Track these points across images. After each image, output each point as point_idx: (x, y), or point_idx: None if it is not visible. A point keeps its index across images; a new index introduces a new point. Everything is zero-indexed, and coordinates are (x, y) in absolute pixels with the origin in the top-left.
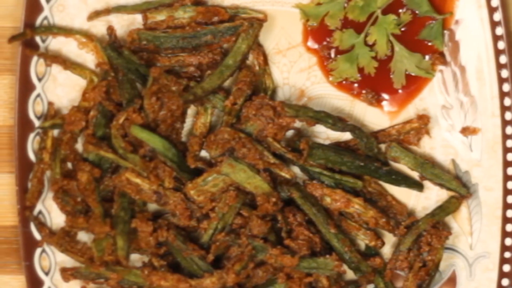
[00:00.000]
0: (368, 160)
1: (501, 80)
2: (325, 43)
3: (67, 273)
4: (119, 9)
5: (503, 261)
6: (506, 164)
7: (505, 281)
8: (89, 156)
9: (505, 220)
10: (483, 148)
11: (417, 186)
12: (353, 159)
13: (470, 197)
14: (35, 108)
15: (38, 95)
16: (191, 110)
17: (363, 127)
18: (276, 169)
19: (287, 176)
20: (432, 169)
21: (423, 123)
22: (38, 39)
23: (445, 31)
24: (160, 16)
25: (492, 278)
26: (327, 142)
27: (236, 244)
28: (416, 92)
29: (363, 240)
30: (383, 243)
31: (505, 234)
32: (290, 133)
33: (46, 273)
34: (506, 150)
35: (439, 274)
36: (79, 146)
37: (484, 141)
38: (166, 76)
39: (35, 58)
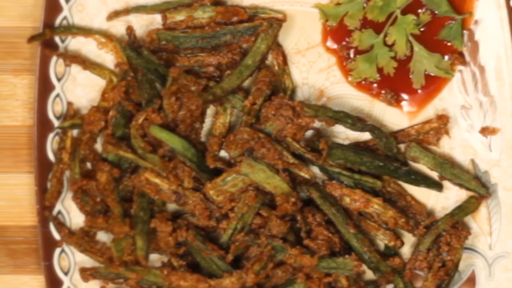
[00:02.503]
0: (387, 160)
1: None
2: (344, 43)
3: (87, 273)
4: (139, 9)
5: None
6: None
7: None
8: (109, 156)
9: None
10: (502, 148)
11: (437, 186)
12: (373, 159)
13: (489, 197)
14: (54, 108)
15: (58, 95)
16: (210, 110)
17: (382, 127)
18: (295, 169)
19: (307, 176)
20: (451, 169)
21: (442, 123)
22: (57, 39)
23: (464, 31)
24: (180, 16)
25: (511, 278)
26: (346, 142)
27: (256, 244)
28: (435, 92)
29: (382, 240)
30: (402, 243)
31: None
32: (309, 133)
33: (66, 273)
34: None
35: (458, 274)
36: (98, 146)
37: (504, 141)
38: (185, 76)
39: (54, 58)
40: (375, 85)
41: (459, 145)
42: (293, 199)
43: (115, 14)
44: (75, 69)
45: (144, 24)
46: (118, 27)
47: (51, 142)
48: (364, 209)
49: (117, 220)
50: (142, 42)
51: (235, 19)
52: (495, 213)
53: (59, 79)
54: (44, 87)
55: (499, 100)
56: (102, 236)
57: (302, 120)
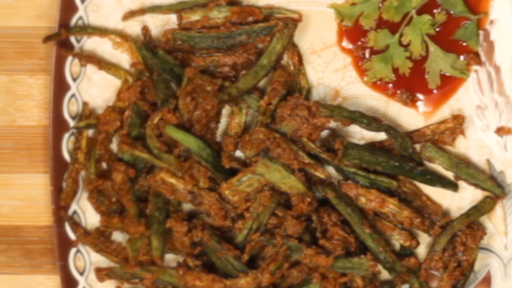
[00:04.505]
0: (403, 160)
1: None
2: (359, 43)
3: (102, 273)
4: (154, 9)
5: None
6: None
7: None
8: (124, 156)
9: None
10: None
11: (452, 186)
12: (388, 159)
13: (504, 197)
14: (70, 108)
15: (73, 95)
16: (225, 110)
17: (398, 127)
18: (311, 169)
19: (322, 176)
20: (467, 169)
21: (458, 123)
22: (72, 39)
23: (480, 31)
24: (195, 16)
25: None
26: (361, 142)
27: (271, 244)
28: (451, 92)
29: (397, 240)
30: (418, 243)
31: None
32: (325, 133)
33: (81, 273)
34: None
35: (474, 274)
36: (113, 146)
37: None
38: (201, 76)
39: (69, 58)
40: (390, 85)
41: (474, 145)
42: (308, 199)
43: (130, 14)
44: (91, 69)
45: (159, 24)
46: (133, 27)
47: (67, 142)
48: (380, 209)
49: (132, 220)
50: (157, 42)
51: (250, 19)
52: (510, 213)
53: (74, 79)
54: (60, 87)
55: None
56: (118, 236)
57: (318, 120)
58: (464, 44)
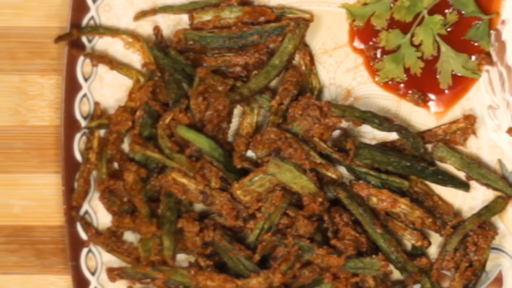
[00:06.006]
0: (414, 160)
1: None
2: (371, 43)
3: (114, 273)
4: (166, 9)
5: None
6: None
7: None
8: (136, 156)
9: None
10: None
11: (464, 186)
12: (400, 159)
13: None
14: (81, 108)
15: (85, 95)
16: (237, 110)
17: (410, 127)
18: (322, 169)
19: (334, 176)
20: (478, 169)
21: (469, 123)
22: (84, 39)
23: (491, 31)
24: (207, 16)
25: None
26: (373, 142)
27: (283, 244)
28: (462, 92)
29: (409, 240)
30: (429, 243)
31: None
32: (336, 133)
33: (93, 273)
34: None
35: (485, 274)
36: (125, 146)
37: None
38: (212, 76)
39: (81, 58)
40: (402, 85)
41: (486, 145)
42: (320, 199)
43: (142, 14)
44: (102, 69)
45: (171, 24)
46: (145, 27)
47: (78, 142)
48: (391, 209)
49: (144, 220)
50: (169, 42)
51: (262, 19)
52: None
53: (86, 79)
54: (71, 87)
55: None
56: (129, 236)
57: (329, 120)
58: (476, 44)
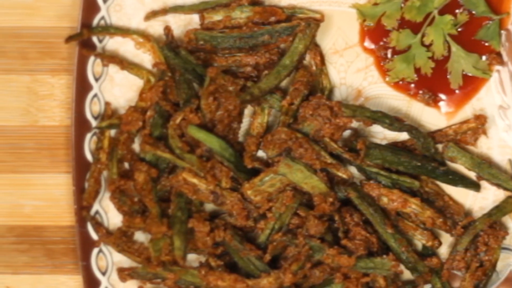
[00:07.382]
0: (425, 160)
1: None
2: (381, 43)
3: (124, 273)
4: (176, 9)
5: None
6: None
7: None
8: (146, 156)
9: None
10: None
11: (474, 186)
12: (410, 159)
13: None
14: (92, 108)
15: (95, 95)
16: (248, 110)
17: (420, 127)
18: (333, 169)
19: (344, 176)
20: (489, 169)
21: (480, 123)
22: (95, 39)
23: (502, 31)
24: (217, 16)
25: None
26: (384, 142)
27: (293, 244)
28: (473, 93)
29: (420, 240)
30: (440, 243)
31: None
32: (347, 133)
33: (103, 273)
34: None
35: (496, 274)
36: (136, 146)
37: None
38: (223, 76)
39: (92, 58)
40: (412, 85)
41: (496, 145)
42: (330, 199)
43: (152, 14)
44: (113, 69)
45: (182, 24)
46: (155, 27)
47: (89, 142)
48: (402, 209)
49: (154, 220)
50: (180, 42)
51: (272, 19)
52: None
53: (97, 79)
54: (82, 87)
55: None
56: (140, 236)
57: (340, 120)
58: (486, 44)
